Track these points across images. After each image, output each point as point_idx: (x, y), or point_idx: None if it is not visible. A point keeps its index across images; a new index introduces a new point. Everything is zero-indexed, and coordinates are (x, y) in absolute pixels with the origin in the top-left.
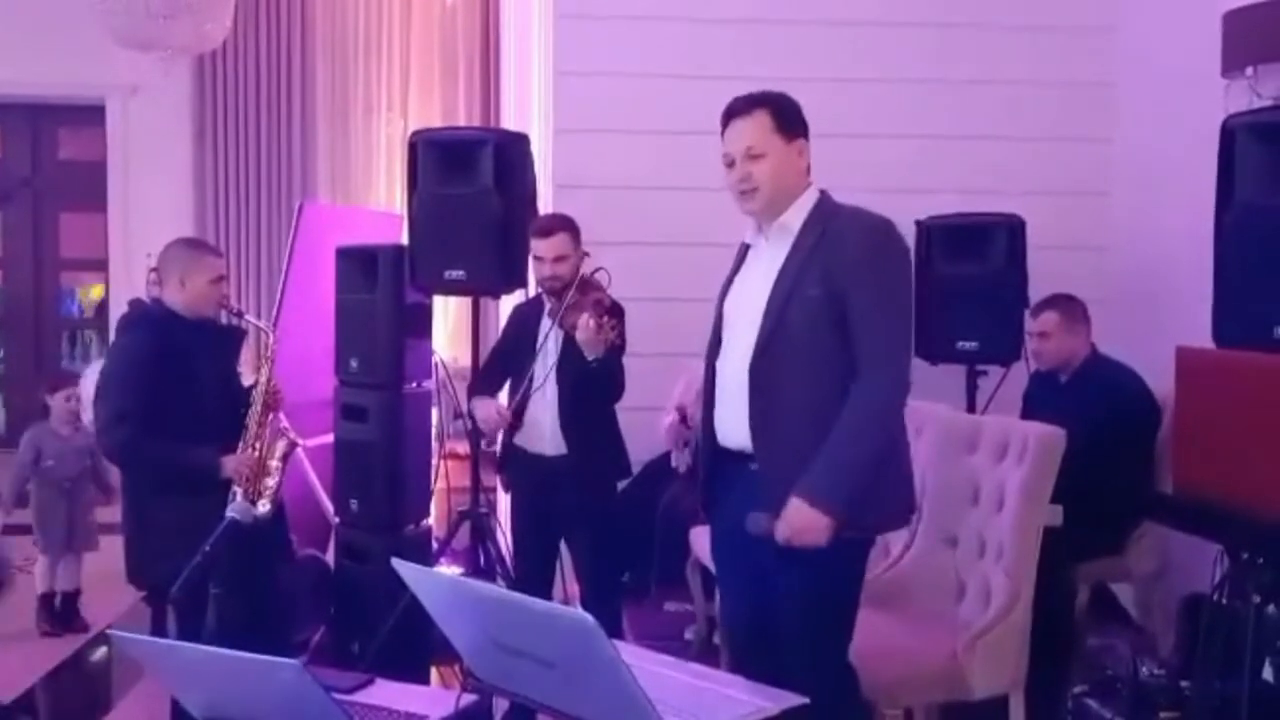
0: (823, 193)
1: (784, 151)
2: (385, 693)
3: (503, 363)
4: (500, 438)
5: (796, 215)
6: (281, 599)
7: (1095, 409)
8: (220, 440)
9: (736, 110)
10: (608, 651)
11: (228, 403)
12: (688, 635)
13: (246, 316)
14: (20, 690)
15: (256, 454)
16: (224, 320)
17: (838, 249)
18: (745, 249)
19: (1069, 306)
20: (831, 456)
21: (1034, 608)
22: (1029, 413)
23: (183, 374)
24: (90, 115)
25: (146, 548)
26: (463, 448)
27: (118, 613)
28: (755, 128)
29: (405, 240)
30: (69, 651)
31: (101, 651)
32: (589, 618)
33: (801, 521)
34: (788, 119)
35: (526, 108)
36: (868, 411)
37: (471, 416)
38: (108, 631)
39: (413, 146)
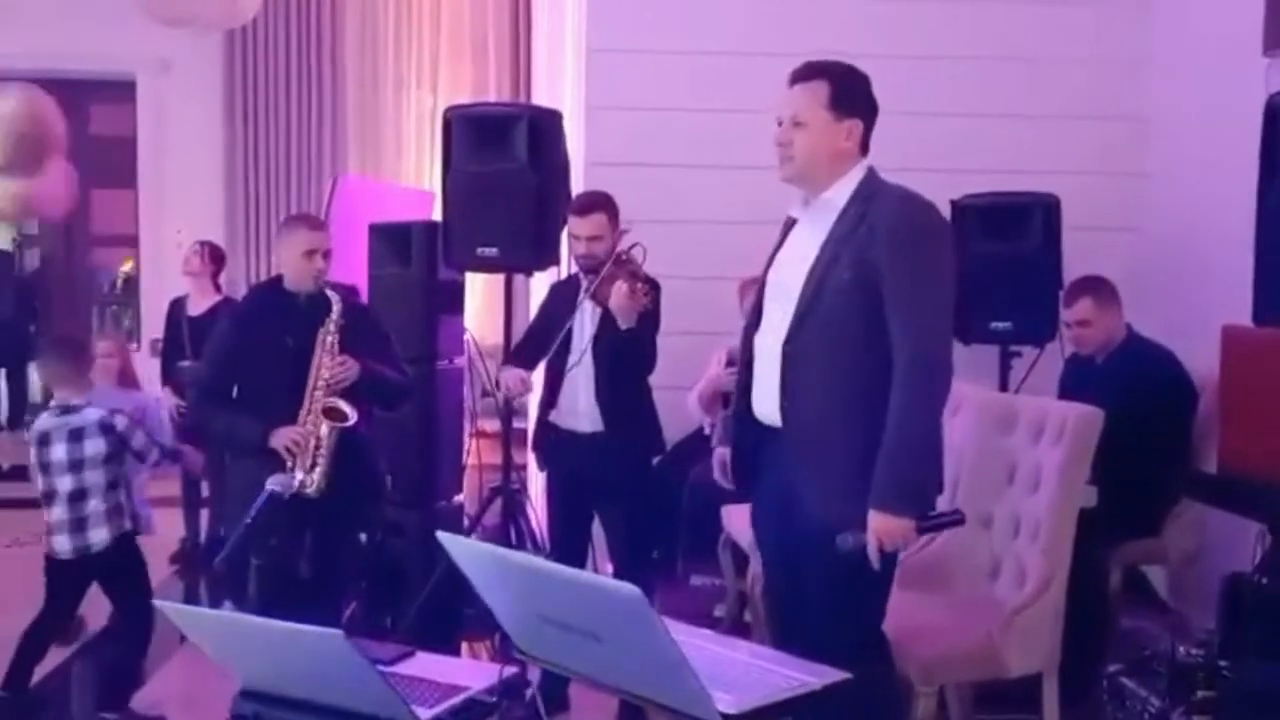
0: (870, 170)
1: (830, 128)
2: (426, 665)
3: (538, 339)
4: (535, 415)
5: (840, 192)
6: (331, 575)
7: (1131, 390)
8: (287, 411)
9: (799, 75)
10: (654, 624)
11: (303, 375)
12: (718, 612)
13: (327, 291)
14: (57, 661)
15: (310, 429)
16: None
17: (874, 231)
18: (791, 222)
19: (1101, 289)
20: (892, 461)
21: (1068, 588)
22: (1066, 396)
23: (263, 346)
24: (121, 91)
25: (224, 513)
26: (493, 425)
27: (156, 582)
28: (808, 97)
29: (438, 217)
30: (104, 622)
31: None
32: (636, 590)
33: (886, 530)
34: (845, 96)
35: (559, 84)
36: (912, 407)
37: (498, 385)
38: (151, 602)
39: (447, 123)
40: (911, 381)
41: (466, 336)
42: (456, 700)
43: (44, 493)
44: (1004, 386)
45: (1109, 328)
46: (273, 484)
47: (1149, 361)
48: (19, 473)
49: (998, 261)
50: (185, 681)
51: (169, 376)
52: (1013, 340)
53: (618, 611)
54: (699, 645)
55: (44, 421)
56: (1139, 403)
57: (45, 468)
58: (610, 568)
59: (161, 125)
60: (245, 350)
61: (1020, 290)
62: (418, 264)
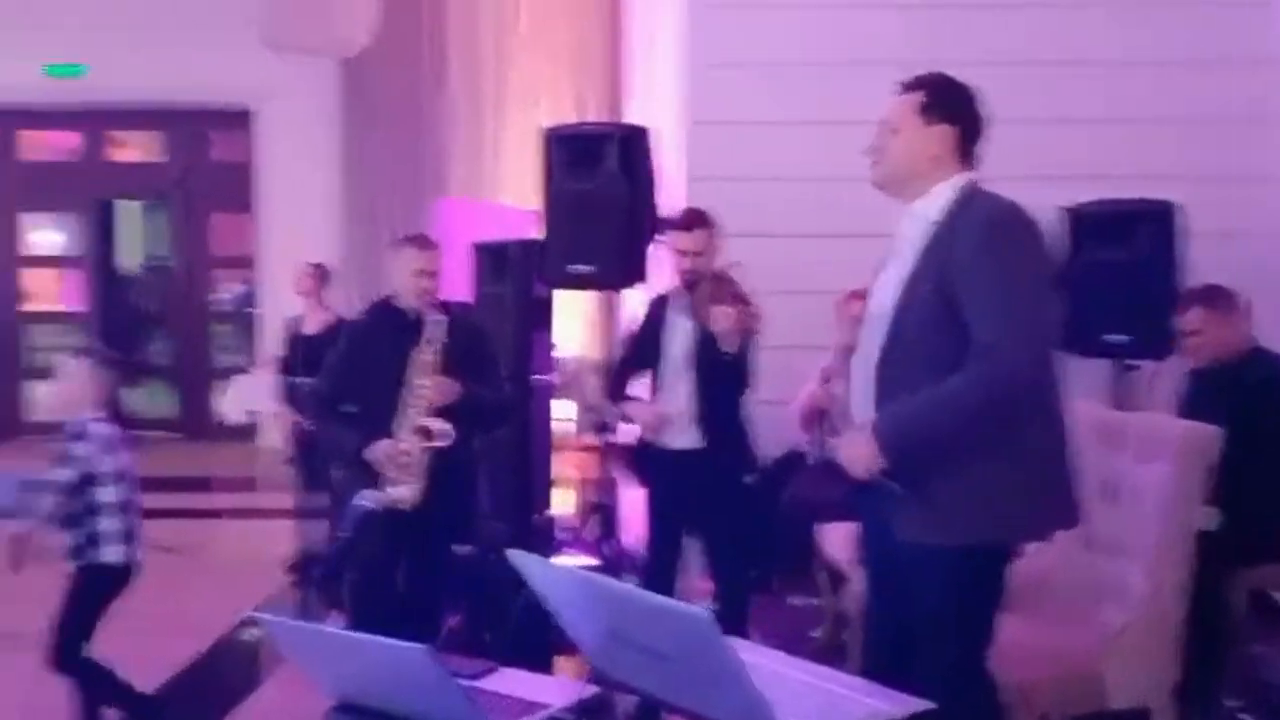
0: (970, 183)
1: (919, 133)
2: (510, 681)
3: (637, 361)
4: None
5: (930, 204)
6: (429, 590)
7: (1253, 405)
8: (391, 425)
9: (903, 86)
10: (725, 648)
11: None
12: (815, 633)
13: (427, 310)
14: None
15: (404, 445)
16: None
17: (955, 242)
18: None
19: (1215, 298)
20: (914, 404)
21: (1187, 616)
22: (1186, 411)
23: (373, 361)
24: (239, 120)
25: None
26: (593, 440)
27: (268, 594)
28: (904, 104)
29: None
30: (221, 632)
31: (252, 632)
32: (706, 614)
33: (857, 448)
34: (937, 103)
35: (658, 99)
36: (965, 395)
37: (627, 419)
38: (252, 613)
39: (544, 143)
40: (972, 370)
41: (566, 354)
42: (537, 717)
43: (121, 501)
44: (1118, 402)
45: (1223, 338)
46: (364, 499)
47: (1273, 374)
48: None
49: (1111, 271)
50: (288, 695)
51: (287, 393)
52: (1128, 354)
53: (688, 635)
54: (776, 670)
55: (107, 428)
56: (1263, 419)
57: (122, 475)
58: (707, 586)
59: (277, 152)
60: (357, 365)
61: (1135, 301)
62: (513, 281)
